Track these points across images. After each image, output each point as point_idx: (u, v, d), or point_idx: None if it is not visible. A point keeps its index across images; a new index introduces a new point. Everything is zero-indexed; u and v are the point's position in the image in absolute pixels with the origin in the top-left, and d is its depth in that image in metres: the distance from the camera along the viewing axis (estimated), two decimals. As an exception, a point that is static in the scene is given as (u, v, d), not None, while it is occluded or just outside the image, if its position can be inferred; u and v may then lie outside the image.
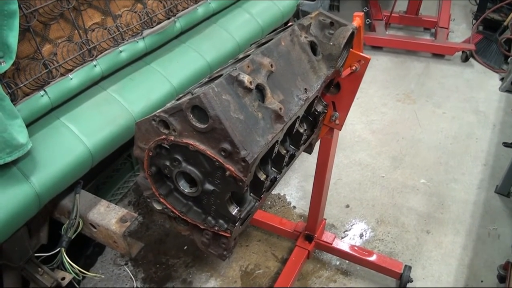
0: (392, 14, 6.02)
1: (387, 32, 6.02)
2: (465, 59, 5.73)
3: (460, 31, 6.38)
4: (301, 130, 1.87)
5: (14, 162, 1.63)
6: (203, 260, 3.37)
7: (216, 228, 1.61)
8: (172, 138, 1.46)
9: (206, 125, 1.36)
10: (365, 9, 6.38)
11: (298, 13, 3.48)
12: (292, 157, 1.89)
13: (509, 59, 5.37)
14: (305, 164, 4.13)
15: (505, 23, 5.72)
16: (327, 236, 3.23)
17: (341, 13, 6.07)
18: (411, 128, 4.64)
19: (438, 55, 5.87)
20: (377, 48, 5.99)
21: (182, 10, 2.44)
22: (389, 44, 5.94)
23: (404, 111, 4.90)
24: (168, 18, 2.35)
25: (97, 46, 2.01)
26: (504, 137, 4.49)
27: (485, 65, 5.66)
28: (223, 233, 1.61)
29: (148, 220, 3.69)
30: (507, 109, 4.93)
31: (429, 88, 5.29)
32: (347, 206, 3.80)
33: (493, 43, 5.76)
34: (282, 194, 3.92)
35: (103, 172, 2.77)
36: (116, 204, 2.58)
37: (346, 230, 3.60)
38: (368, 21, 6.12)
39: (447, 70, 5.62)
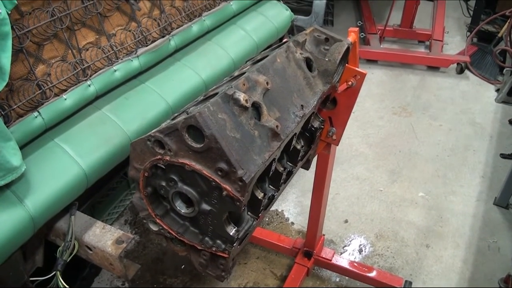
0: (386, 28, 6.05)
1: (381, 46, 6.06)
2: (460, 71, 5.75)
3: (455, 43, 6.41)
4: (298, 147, 1.85)
5: (8, 185, 1.60)
6: (201, 279, 3.33)
7: (213, 249, 1.58)
8: (167, 158, 1.44)
9: (202, 145, 1.35)
10: (359, 23, 6.41)
11: (293, 29, 3.48)
12: (290, 174, 1.87)
13: (504, 70, 5.38)
14: (303, 179, 4.11)
15: (499, 35, 5.75)
16: (326, 252, 3.19)
17: (335, 27, 6.09)
18: (408, 141, 4.63)
19: (433, 68, 5.89)
20: (372, 61, 6.01)
21: (177, 28, 2.44)
22: (384, 57, 5.96)
23: (401, 124, 4.90)
24: (163, 36, 2.34)
25: (91, 66, 1.99)
26: (501, 149, 4.49)
27: (481, 76, 5.68)
28: (221, 254, 1.59)
29: (145, 239, 3.65)
30: (503, 120, 4.94)
31: (425, 100, 5.29)
32: (346, 221, 3.78)
33: (488, 54, 5.79)
34: (280, 210, 3.89)
35: (99, 192, 2.74)
36: (112, 223, 2.55)
37: (345, 246, 3.57)
38: (362, 35, 6.15)
39: (443, 83, 5.63)
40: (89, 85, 1.97)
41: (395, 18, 6.18)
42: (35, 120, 1.76)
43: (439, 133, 4.74)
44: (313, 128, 1.99)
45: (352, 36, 1.99)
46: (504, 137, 4.69)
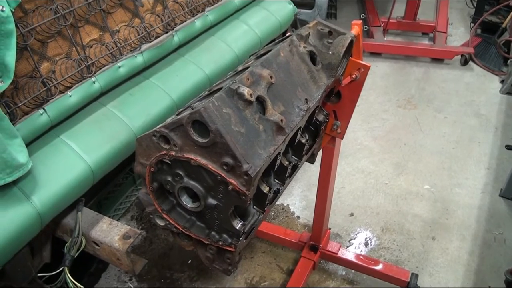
0: (390, 20, 6.03)
1: (385, 38, 6.04)
2: (465, 62, 5.72)
3: (459, 34, 6.39)
4: (303, 141, 1.85)
5: (15, 182, 1.61)
6: (208, 274, 3.34)
7: (220, 243, 1.59)
8: (173, 153, 1.44)
9: (207, 140, 1.35)
10: (362, 16, 6.39)
11: (296, 23, 3.47)
12: (295, 168, 1.87)
13: (508, 61, 5.37)
14: (308, 173, 4.11)
15: (503, 25, 5.72)
16: (332, 246, 3.20)
17: (339, 20, 6.09)
18: (413, 134, 4.62)
19: (437, 60, 5.87)
20: (375, 54, 5.99)
21: (180, 24, 2.44)
22: (388, 50, 5.95)
23: (405, 116, 4.89)
24: (166, 32, 2.34)
25: (96, 62, 2.00)
26: (506, 140, 4.47)
27: (485, 68, 5.65)
28: (227, 248, 1.59)
29: (151, 234, 3.66)
30: (508, 111, 4.92)
31: (430, 93, 5.28)
32: (352, 214, 3.78)
33: (492, 45, 5.76)
34: (285, 204, 3.90)
35: (105, 188, 2.76)
36: (119, 219, 2.55)
37: (351, 239, 3.58)
38: (366, 27, 6.13)
39: (447, 74, 5.61)
40: (94, 82, 1.97)
41: (399, 10, 6.16)
42: (41, 117, 1.76)
43: (444, 125, 4.73)
44: (317, 122, 1.99)
45: (355, 29, 1.98)
46: (509, 128, 4.67)
